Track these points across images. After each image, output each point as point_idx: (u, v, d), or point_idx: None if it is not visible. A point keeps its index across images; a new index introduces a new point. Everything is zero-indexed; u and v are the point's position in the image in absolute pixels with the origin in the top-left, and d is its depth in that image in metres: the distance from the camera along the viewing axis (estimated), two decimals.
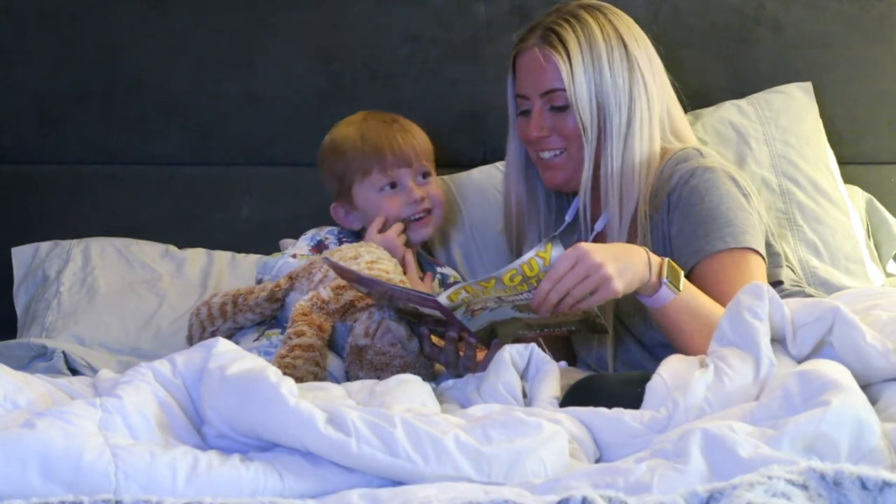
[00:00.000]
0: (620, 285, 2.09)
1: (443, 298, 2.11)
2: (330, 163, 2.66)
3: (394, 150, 2.60)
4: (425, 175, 2.64)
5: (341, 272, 2.28)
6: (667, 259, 2.16)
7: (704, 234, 2.29)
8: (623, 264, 2.10)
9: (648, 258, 2.15)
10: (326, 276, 2.36)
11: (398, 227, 2.60)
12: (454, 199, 2.80)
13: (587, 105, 2.37)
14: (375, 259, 2.39)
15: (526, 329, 2.20)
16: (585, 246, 2.10)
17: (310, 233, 2.65)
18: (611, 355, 2.39)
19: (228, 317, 2.41)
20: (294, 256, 2.55)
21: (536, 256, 2.10)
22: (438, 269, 2.68)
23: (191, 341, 2.42)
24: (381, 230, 2.58)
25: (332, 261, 2.29)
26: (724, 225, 2.29)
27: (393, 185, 2.61)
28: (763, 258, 2.32)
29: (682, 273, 2.18)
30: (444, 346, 2.27)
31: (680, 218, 2.32)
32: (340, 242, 2.61)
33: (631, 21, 2.45)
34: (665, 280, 2.15)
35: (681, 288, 2.16)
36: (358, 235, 2.64)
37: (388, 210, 2.60)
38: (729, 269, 2.27)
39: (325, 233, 2.65)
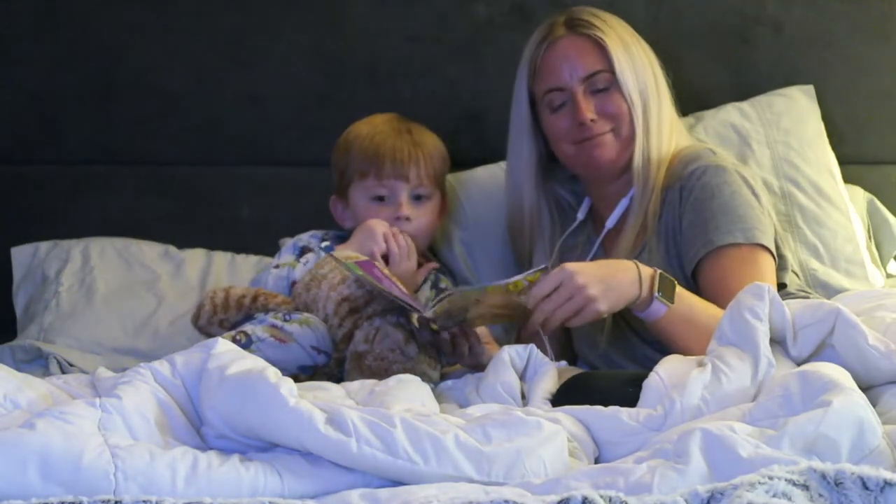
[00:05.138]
0: (604, 306, 2.15)
1: (430, 313, 2.18)
2: (338, 155, 2.63)
3: (394, 161, 2.55)
4: (419, 198, 2.58)
5: (341, 266, 2.31)
6: (658, 271, 2.19)
7: (715, 228, 2.31)
8: (608, 285, 2.15)
9: (639, 274, 2.18)
10: (330, 294, 2.35)
11: (385, 223, 2.53)
12: (456, 197, 2.79)
13: (632, 81, 2.42)
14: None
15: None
16: (571, 267, 2.15)
17: (291, 241, 2.63)
18: (605, 342, 2.40)
19: (243, 310, 2.40)
20: (277, 267, 2.54)
21: (525, 279, 2.18)
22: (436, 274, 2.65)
23: (196, 321, 2.41)
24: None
25: (335, 257, 2.32)
26: (735, 220, 2.32)
27: (382, 198, 2.56)
28: (773, 255, 2.34)
29: (675, 283, 2.20)
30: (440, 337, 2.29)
31: (691, 212, 2.34)
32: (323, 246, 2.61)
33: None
34: (657, 294, 2.17)
35: (674, 300, 2.18)
36: (347, 235, 2.62)
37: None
38: (738, 265, 2.29)
39: (307, 237, 2.63)
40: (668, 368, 1.91)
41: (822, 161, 2.77)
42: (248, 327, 2.33)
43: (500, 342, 2.46)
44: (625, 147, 2.42)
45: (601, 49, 2.42)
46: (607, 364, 2.41)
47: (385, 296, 2.25)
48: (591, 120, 2.42)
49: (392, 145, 2.57)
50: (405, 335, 2.27)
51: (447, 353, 2.30)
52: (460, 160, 2.88)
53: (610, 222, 2.45)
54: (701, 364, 1.88)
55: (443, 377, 2.31)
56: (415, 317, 2.27)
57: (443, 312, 2.19)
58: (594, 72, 2.42)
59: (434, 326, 2.28)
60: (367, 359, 2.25)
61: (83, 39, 2.95)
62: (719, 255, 2.30)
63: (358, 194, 2.59)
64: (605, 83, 2.42)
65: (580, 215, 2.52)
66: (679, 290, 2.20)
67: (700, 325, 2.16)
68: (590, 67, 2.42)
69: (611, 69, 2.41)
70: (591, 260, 2.45)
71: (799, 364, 1.90)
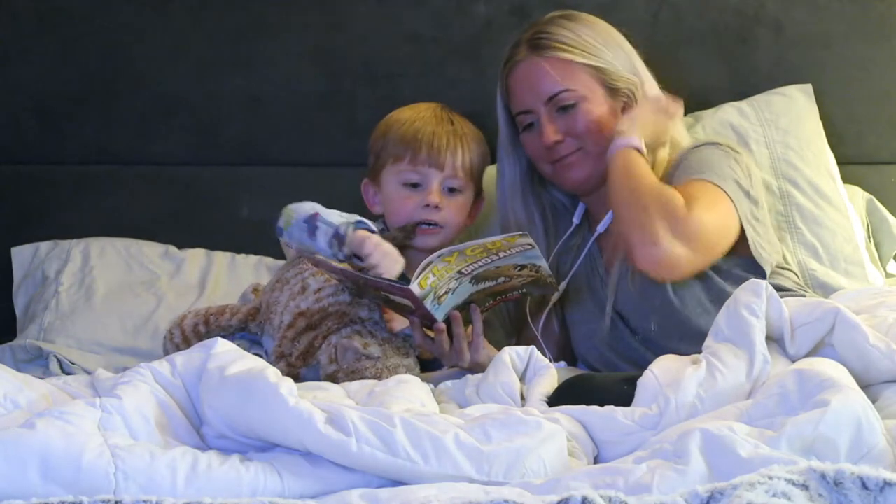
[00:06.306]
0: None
1: (415, 287, 2.16)
2: (375, 138, 2.58)
3: (431, 147, 2.50)
4: (452, 190, 2.52)
5: (317, 264, 2.30)
6: (642, 147, 2.31)
7: (693, 173, 2.32)
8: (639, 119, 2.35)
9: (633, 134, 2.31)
10: (289, 303, 2.34)
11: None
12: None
13: (599, 94, 2.41)
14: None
15: (481, 302, 2.28)
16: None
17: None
18: (605, 345, 2.39)
19: (202, 337, 2.36)
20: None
21: (503, 239, 2.20)
22: None
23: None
24: (398, 237, 2.48)
25: (314, 259, 2.31)
26: (708, 168, 2.32)
27: (415, 185, 2.51)
28: (736, 210, 2.31)
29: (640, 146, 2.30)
30: (434, 337, 2.28)
31: (678, 173, 2.35)
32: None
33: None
34: (620, 130, 2.30)
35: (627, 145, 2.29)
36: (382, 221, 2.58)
37: (402, 208, 2.51)
38: (696, 189, 2.28)
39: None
40: (662, 367, 1.91)
41: (820, 161, 2.77)
42: None
43: (500, 345, 2.46)
44: (598, 161, 2.39)
45: (565, 66, 2.40)
46: (607, 366, 2.40)
47: (372, 284, 2.24)
48: (558, 142, 2.41)
49: (432, 131, 2.52)
50: (362, 340, 2.26)
51: (445, 354, 2.29)
52: None
53: (601, 227, 2.44)
54: (695, 362, 1.89)
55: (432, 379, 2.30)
56: (395, 324, 2.29)
57: (429, 288, 2.17)
58: (556, 92, 2.40)
59: (430, 333, 2.27)
60: (339, 377, 2.24)
61: (83, 39, 2.96)
62: (684, 184, 2.30)
63: (390, 179, 2.53)
64: (572, 100, 2.40)
65: (575, 220, 2.51)
66: (642, 160, 2.28)
67: (632, 183, 2.24)
68: (551, 89, 2.41)
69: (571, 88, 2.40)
70: (583, 262, 2.47)
71: (794, 362, 1.90)
